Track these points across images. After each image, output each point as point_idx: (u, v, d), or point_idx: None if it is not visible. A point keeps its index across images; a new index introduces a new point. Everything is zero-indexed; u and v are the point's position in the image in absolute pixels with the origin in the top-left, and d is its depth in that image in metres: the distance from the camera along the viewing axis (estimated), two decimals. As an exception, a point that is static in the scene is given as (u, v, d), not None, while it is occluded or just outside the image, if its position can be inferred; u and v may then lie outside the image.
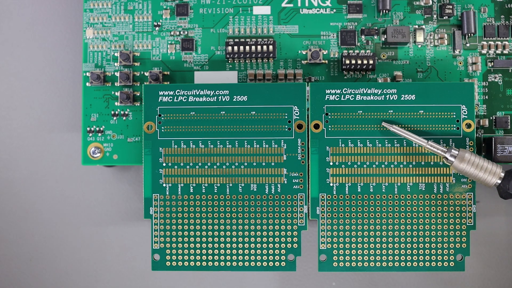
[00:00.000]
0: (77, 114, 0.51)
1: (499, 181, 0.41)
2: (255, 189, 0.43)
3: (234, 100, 0.43)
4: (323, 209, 0.43)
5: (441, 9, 0.47)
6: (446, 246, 0.43)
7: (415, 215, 0.43)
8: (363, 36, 0.47)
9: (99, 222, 0.51)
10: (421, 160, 0.43)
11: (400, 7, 0.47)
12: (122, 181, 0.51)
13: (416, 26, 0.47)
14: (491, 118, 0.46)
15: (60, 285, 0.51)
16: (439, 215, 0.43)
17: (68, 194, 0.51)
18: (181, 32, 0.47)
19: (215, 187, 0.43)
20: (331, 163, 0.43)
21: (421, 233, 0.43)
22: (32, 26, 0.51)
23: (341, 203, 0.43)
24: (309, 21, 0.47)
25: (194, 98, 0.44)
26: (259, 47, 0.46)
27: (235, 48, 0.46)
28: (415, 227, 0.43)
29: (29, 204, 0.51)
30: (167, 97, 0.44)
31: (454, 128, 0.43)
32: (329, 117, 0.43)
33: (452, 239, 0.43)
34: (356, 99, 0.43)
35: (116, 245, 0.51)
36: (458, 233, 0.43)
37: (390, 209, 0.43)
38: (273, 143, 0.43)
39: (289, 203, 0.43)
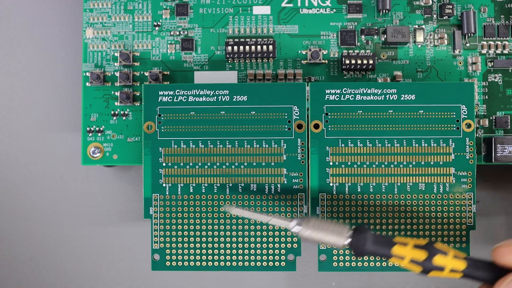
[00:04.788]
0: (77, 114, 0.51)
1: (349, 240, 0.38)
2: (255, 189, 0.43)
3: (234, 100, 0.43)
4: (323, 209, 0.43)
5: (441, 9, 0.47)
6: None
7: (415, 215, 0.43)
8: (363, 36, 0.47)
9: (99, 222, 0.51)
10: (421, 160, 0.43)
11: (400, 7, 0.47)
12: (122, 181, 0.51)
13: (416, 26, 0.47)
14: (491, 118, 0.46)
15: (60, 285, 0.51)
16: (439, 215, 0.43)
17: (68, 194, 0.51)
18: (181, 32, 0.47)
19: (215, 187, 0.43)
20: (331, 163, 0.43)
21: (421, 233, 0.43)
22: (32, 26, 0.51)
23: (341, 203, 0.43)
24: (309, 21, 0.47)
25: (194, 98, 0.44)
26: (259, 47, 0.46)
27: (235, 48, 0.46)
28: (415, 227, 0.43)
29: (29, 204, 0.51)
30: (167, 97, 0.44)
31: (454, 128, 0.43)
32: (329, 117, 0.43)
33: (452, 239, 0.43)
34: (356, 99, 0.43)
35: (116, 245, 0.51)
36: (458, 233, 0.43)
37: (390, 209, 0.43)
38: (273, 143, 0.43)
39: (289, 203, 0.43)
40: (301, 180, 0.43)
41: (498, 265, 0.37)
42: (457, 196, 0.43)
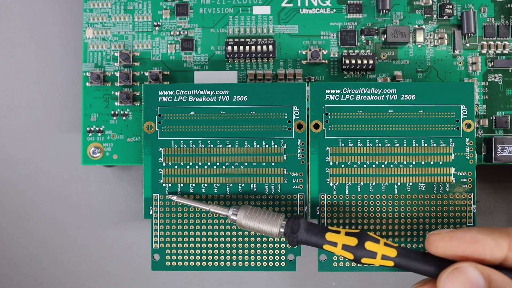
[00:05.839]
0: (77, 114, 0.51)
1: (282, 230, 0.40)
2: (255, 189, 0.43)
3: (234, 100, 0.43)
4: (323, 209, 0.43)
5: (441, 9, 0.47)
6: (446, 246, 0.43)
7: (415, 215, 0.43)
8: (363, 36, 0.47)
9: (99, 222, 0.51)
10: (421, 160, 0.43)
11: (400, 7, 0.47)
12: (122, 181, 0.51)
13: (416, 26, 0.47)
14: (491, 118, 0.46)
15: (60, 285, 0.51)
16: (439, 215, 0.43)
17: (68, 194, 0.51)
18: (181, 32, 0.47)
19: (215, 187, 0.43)
20: (331, 163, 0.43)
21: (421, 233, 0.43)
22: (32, 26, 0.52)
23: (341, 203, 0.43)
24: (309, 21, 0.47)
25: (194, 98, 0.44)
26: (259, 47, 0.46)
27: (235, 48, 0.46)
28: (415, 227, 0.43)
29: (29, 204, 0.51)
30: (167, 97, 0.44)
31: (454, 128, 0.43)
32: (329, 117, 0.43)
33: (452, 239, 0.43)
34: (356, 99, 0.43)
35: (116, 245, 0.51)
36: (458, 233, 0.43)
37: (390, 209, 0.43)
38: (273, 143, 0.43)
39: (289, 203, 0.43)
40: (301, 180, 0.43)
41: (431, 255, 0.38)
42: (457, 196, 0.43)
